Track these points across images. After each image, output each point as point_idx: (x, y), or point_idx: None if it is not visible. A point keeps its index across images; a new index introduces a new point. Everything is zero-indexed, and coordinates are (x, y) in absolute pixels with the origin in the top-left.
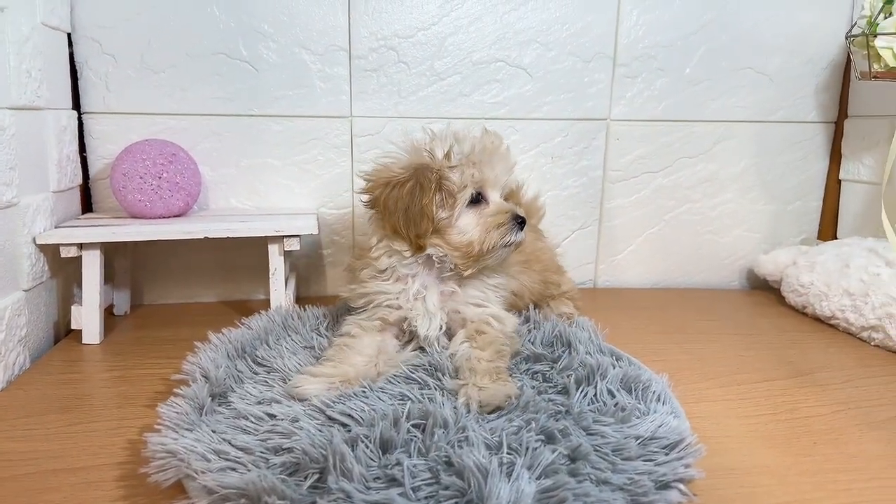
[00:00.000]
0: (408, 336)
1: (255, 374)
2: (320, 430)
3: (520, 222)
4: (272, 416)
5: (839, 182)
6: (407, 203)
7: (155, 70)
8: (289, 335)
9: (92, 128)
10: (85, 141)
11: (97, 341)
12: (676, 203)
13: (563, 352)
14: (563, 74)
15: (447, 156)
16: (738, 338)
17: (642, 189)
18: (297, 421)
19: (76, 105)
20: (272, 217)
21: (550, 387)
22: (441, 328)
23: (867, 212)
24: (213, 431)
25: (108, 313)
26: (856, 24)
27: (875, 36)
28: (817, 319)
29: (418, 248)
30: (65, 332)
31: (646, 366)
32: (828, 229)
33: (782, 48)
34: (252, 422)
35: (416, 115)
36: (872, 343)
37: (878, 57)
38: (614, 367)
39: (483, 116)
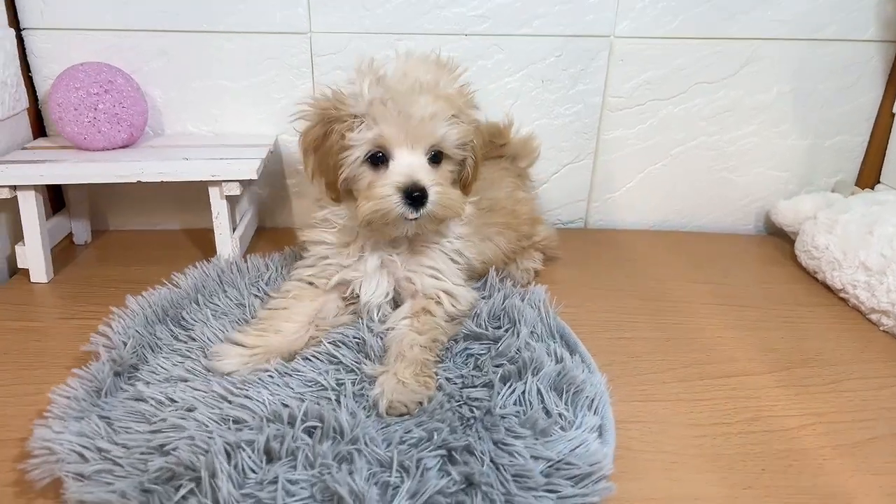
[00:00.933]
0: (351, 300)
1: (176, 340)
2: (207, 428)
3: (414, 197)
4: (172, 402)
5: (893, 115)
6: (316, 146)
7: None
8: (224, 290)
9: (33, 46)
10: (28, 60)
11: (45, 280)
12: (688, 136)
13: (506, 331)
14: None
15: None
16: (725, 309)
17: (648, 119)
18: (193, 410)
19: (14, 22)
20: (217, 151)
21: (478, 377)
22: (387, 295)
23: None
24: (106, 419)
25: (70, 242)
26: None
27: None
28: (828, 289)
29: (333, 199)
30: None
31: (592, 358)
32: (870, 172)
33: None
34: (151, 405)
35: (383, 31)
36: (881, 328)
37: None
38: (550, 360)
39: (461, 32)
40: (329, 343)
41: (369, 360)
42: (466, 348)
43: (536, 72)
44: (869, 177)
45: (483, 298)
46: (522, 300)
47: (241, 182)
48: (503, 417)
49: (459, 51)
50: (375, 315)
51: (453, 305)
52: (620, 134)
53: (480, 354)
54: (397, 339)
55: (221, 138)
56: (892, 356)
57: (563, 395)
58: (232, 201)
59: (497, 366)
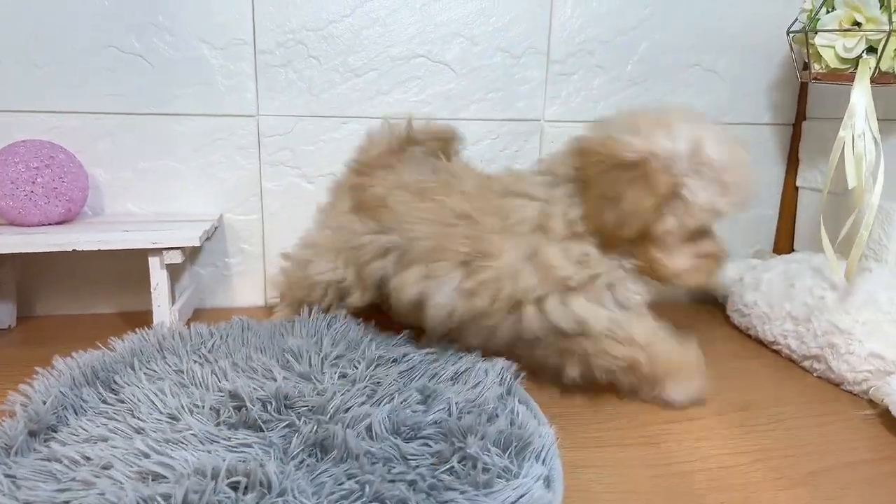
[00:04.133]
0: None
1: (104, 402)
2: (121, 485)
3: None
4: (87, 460)
5: (796, 189)
6: (619, 193)
7: (39, 65)
8: (164, 356)
9: None
10: None
11: None
12: None
13: (455, 383)
14: (491, 71)
15: (695, 156)
16: None
17: None
18: (109, 468)
19: None
20: (159, 225)
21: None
22: None
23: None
24: (11, 476)
25: None
26: (798, 17)
27: (815, 33)
28: (761, 344)
29: (609, 245)
30: None
31: (540, 410)
32: (785, 241)
33: (733, 43)
34: (64, 465)
35: (329, 115)
36: (815, 374)
37: (819, 56)
38: (501, 416)
39: (404, 116)
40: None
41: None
42: (408, 398)
43: (476, 153)
44: (784, 246)
45: (436, 362)
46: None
47: (183, 250)
48: (443, 472)
49: None
50: None
51: None
52: None
53: (422, 406)
54: None
55: (164, 217)
56: (827, 397)
57: (507, 450)
58: (172, 274)
59: (438, 422)
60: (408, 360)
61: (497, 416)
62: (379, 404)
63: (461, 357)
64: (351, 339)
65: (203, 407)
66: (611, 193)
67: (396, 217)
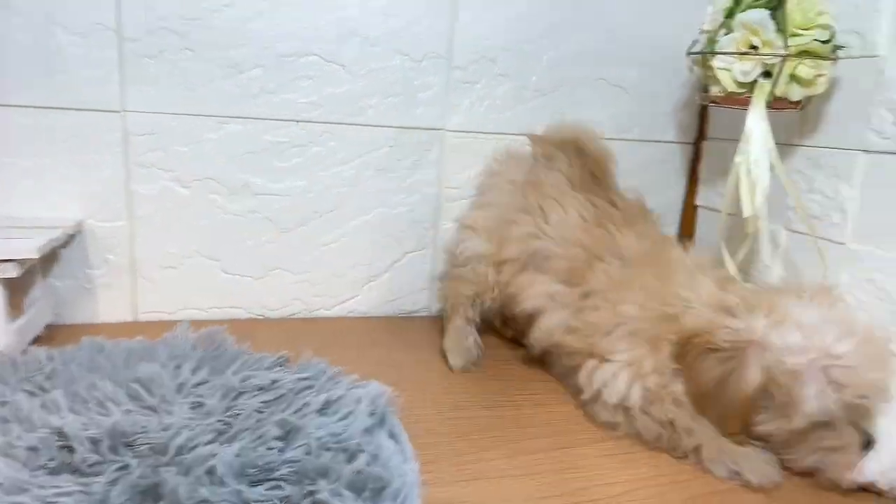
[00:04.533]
0: None
1: None
2: None
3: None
4: None
5: (696, 207)
6: (715, 389)
7: None
8: None
9: None
10: None
11: None
12: None
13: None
14: (389, 74)
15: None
16: (552, 385)
17: None
18: None
19: None
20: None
21: (270, 471)
22: None
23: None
24: None
25: None
26: (698, 39)
27: (713, 55)
28: None
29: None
30: None
31: (409, 445)
32: None
33: (639, 59)
34: None
35: (208, 113)
36: None
37: (716, 79)
38: (362, 454)
39: (293, 118)
40: None
41: None
42: (265, 434)
43: (372, 161)
44: None
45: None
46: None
47: (20, 262)
48: None
49: (290, 137)
50: None
51: None
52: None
53: (280, 442)
54: None
55: (14, 221)
56: None
57: (363, 492)
58: (10, 287)
59: (294, 461)
60: (276, 388)
61: (360, 452)
62: (231, 442)
63: (337, 383)
64: (217, 364)
65: (19, 448)
66: (707, 383)
67: (558, 224)
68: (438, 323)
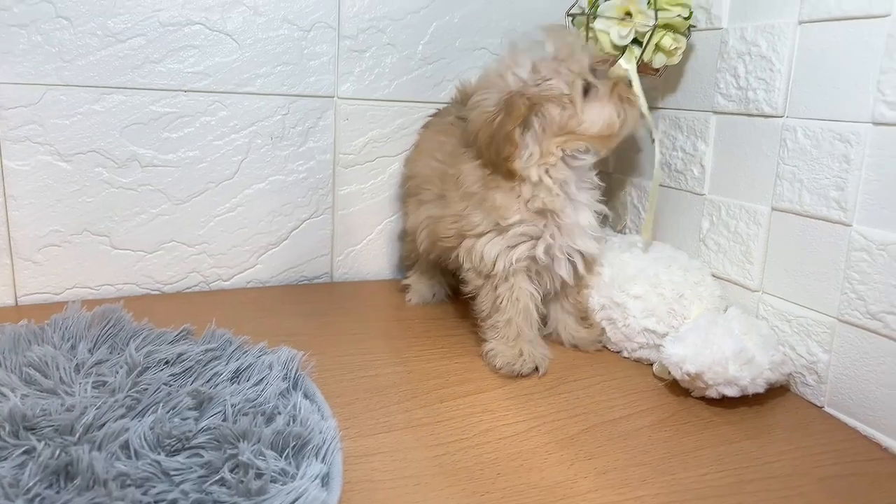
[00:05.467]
0: None
1: None
2: None
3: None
4: None
5: None
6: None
7: None
8: None
9: None
10: None
11: None
12: None
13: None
14: (278, 44)
15: (535, 69)
16: (457, 339)
17: (379, 175)
18: None
19: None
20: None
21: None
22: None
23: None
24: None
25: None
26: (577, 1)
27: (595, 18)
28: None
29: (508, 174)
30: None
31: (326, 403)
32: None
33: (516, 27)
34: None
35: (87, 84)
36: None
37: (596, 40)
38: (280, 415)
39: (180, 88)
40: None
41: None
42: (178, 405)
43: (264, 129)
44: None
45: (216, 360)
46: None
47: None
48: (212, 484)
49: (178, 107)
50: None
51: None
52: (355, 189)
53: (194, 412)
54: None
55: None
56: (595, 361)
57: (285, 451)
58: None
59: (211, 428)
60: (182, 362)
61: (277, 414)
62: (142, 416)
63: (245, 352)
64: (116, 341)
65: None
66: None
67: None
68: (340, 287)
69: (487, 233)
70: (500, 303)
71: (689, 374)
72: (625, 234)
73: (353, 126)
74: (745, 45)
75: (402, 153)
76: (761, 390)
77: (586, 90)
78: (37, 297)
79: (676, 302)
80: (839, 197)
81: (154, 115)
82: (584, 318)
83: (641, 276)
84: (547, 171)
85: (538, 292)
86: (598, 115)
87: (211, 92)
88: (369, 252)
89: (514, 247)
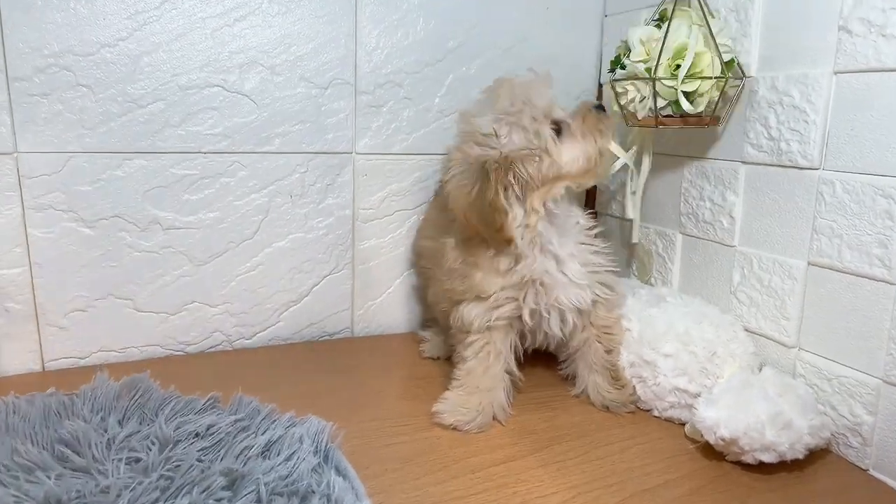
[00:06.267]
0: None
1: None
2: None
3: (596, 107)
4: None
5: (596, 214)
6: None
7: None
8: None
9: None
10: None
11: None
12: None
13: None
14: (295, 102)
15: (494, 132)
16: None
17: (398, 228)
18: None
19: None
20: None
21: None
22: None
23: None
24: None
25: None
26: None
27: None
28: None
29: (507, 243)
30: None
31: (360, 482)
32: None
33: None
34: None
35: (110, 150)
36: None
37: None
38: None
39: (200, 150)
40: None
41: None
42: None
43: (284, 187)
44: None
45: (246, 432)
46: (294, 428)
47: None
48: None
49: (198, 169)
50: None
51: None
52: (374, 243)
53: (228, 492)
54: None
55: None
56: (626, 421)
57: None
58: None
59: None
60: (213, 434)
61: (311, 493)
62: (176, 497)
63: (274, 422)
64: (145, 411)
65: None
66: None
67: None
68: (360, 343)
69: (472, 301)
70: (468, 353)
71: (723, 440)
72: (652, 285)
73: (372, 181)
74: (776, 94)
75: (419, 206)
76: (801, 457)
77: (558, 131)
78: (63, 361)
79: (709, 361)
80: (882, 255)
81: (174, 178)
82: (616, 377)
83: (671, 332)
84: (532, 232)
85: (521, 347)
86: (577, 152)
87: (230, 153)
88: (388, 305)
89: (497, 307)
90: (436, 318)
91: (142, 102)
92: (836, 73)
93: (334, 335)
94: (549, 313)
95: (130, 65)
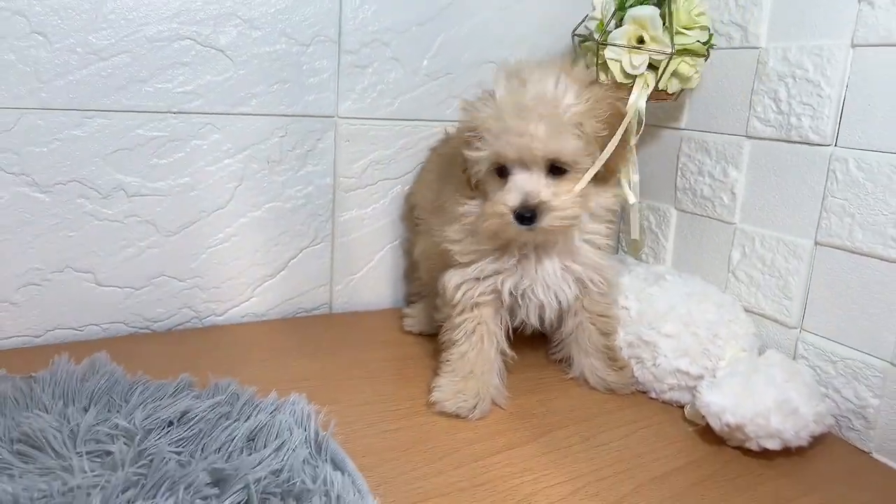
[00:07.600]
0: None
1: None
2: None
3: (526, 217)
4: None
5: None
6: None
7: None
8: None
9: None
10: None
11: None
12: None
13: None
14: (274, 60)
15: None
16: None
17: (381, 199)
18: None
19: None
20: None
21: None
22: None
23: None
24: None
25: None
26: (584, 23)
27: (605, 45)
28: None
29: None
30: None
31: (362, 478)
32: None
33: (524, 41)
34: None
35: (67, 107)
36: None
37: (606, 68)
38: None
39: (169, 109)
40: None
41: None
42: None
43: (261, 152)
44: None
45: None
46: (280, 413)
47: None
48: None
49: (167, 130)
50: None
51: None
52: (356, 214)
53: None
54: None
55: None
56: (625, 405)
57: None
58: None
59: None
60: (189, 421)
61: (307, 490)
62: (154, 496)
63: (256, 407)
64: (113, 395)
65: None
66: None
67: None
68: (341, 319)
69: (457, 268)
70: (458, 336)
71: (728, 426)
72: (644, 261)
73: (355, 147)
74: (787, 66)
75: (404, 175)
76: (805, 444)
77: (500, 173)
78: (15, 340)
79: (711, 342)
80: None
81: (141, 140)
82: (613, 358)
83: (673, 312)
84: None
85: (510, 327)
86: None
87: (202, 113)
88: (370, 280)
89: (479, 279)
90: (420, 293)
91: (104, 54)
92: (854, 45)
93: (312, 311)
94: (528, 299)
95: (92, 11)
